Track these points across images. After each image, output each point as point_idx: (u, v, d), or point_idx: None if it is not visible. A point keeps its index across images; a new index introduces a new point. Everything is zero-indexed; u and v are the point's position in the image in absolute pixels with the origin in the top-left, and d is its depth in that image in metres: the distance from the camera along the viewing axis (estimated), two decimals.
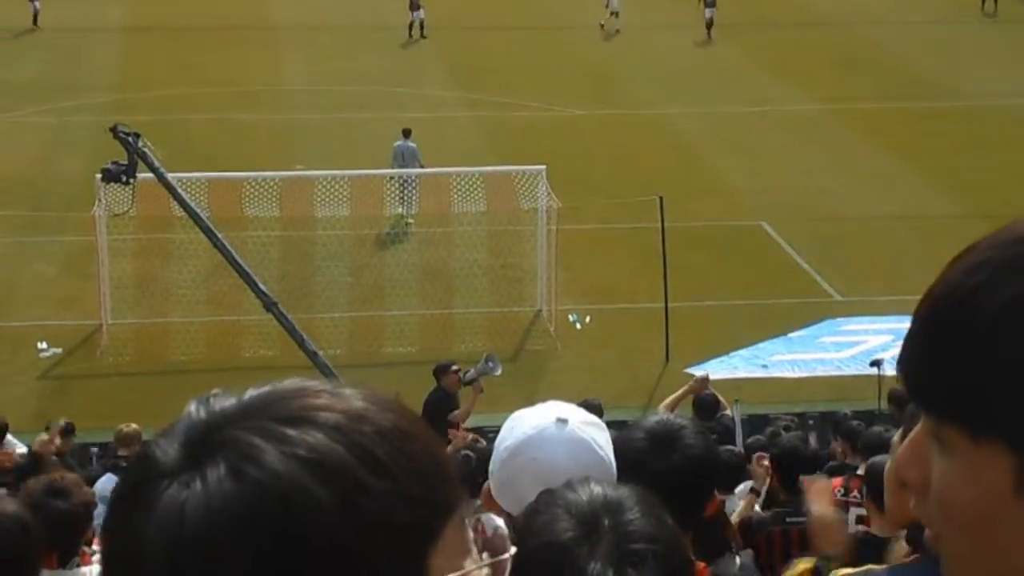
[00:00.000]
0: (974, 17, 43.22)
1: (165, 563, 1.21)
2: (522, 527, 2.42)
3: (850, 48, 40.22)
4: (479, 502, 3.09)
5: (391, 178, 26.04)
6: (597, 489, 2.44)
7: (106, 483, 11.69)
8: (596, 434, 2.94)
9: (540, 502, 2.44)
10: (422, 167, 26.27)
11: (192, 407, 1.32)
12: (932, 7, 44.65)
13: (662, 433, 3.42)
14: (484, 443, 13.04)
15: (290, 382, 1.33)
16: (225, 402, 1.30)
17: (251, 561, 1.20)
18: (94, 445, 17.14)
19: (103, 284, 22.56)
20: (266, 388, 1.32)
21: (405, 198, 25.99)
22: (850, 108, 34.56)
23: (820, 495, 4.24)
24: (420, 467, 1.30)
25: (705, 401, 14.53)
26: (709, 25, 41.93)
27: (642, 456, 3.23)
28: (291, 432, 1.25)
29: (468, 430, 14.93)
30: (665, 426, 3.46)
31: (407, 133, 27.20)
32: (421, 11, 40.15)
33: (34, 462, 12.65)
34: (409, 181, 25.87)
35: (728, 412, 14.72)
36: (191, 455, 1.25)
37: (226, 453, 1.24)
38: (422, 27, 40.21)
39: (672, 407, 13.90)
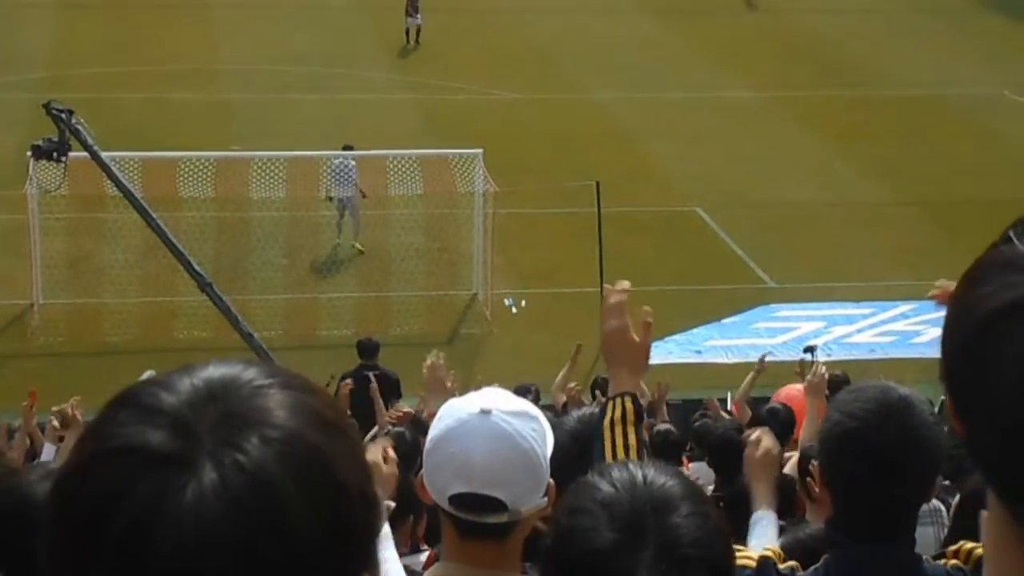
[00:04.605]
0: (911, 7, 43.56)
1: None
2: (561, 530, 2.26)
3: (788, 36, 40.46)
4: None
5: (330, 199, 24.62)
6: (641, 482, 2.26)
7: (51, 454, 11.54)
8: (522, 425, 2.84)
9: (579, 497, 2.27)
10: (357, 186, 24.33)
11: None
12: None
13: (585, 433, 3.40)
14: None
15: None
16: None
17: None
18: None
19: (35, 263, 22.33)
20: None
21: (353, 223, 24.73)
22: (787, 96, 34.77)
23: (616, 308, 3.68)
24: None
25: (601, 385, 14.64)
26: None
27: (564, 457, 3.16)
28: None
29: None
30: (587, 425, 3.45)
31: (348, 149, 24.82)
32: (418, 17, 38.23)
33: None
34: (350, 205, 24.49)
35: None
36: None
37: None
38: (418, 33, 38.37)
39: (563, 387, 14.15)
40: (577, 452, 3.36)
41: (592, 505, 2.23)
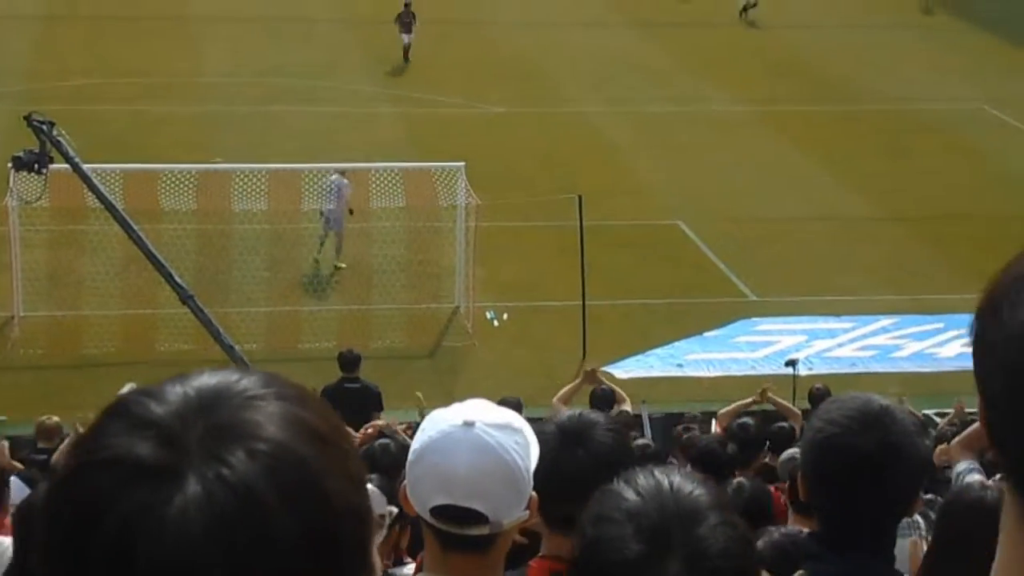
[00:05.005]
0: (896, 23, 43.77)
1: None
2: (587, 540, 2.23)
3: (773, 51, 40.56)
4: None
5: (321, 213, 24.44)
6: (667, 491, 2.22)
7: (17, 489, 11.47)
8: (505, 438, 2.83)
9: (604, 507, 2.24)
10: (347, 203, 24.32)
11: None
12: (854, 12, 45.17)
13: (572, 428, 3.44)
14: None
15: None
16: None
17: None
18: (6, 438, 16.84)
19: (15, 275, 22.24)
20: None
21: (336, 241, 24.53)
22: (771, 110, 34.86)
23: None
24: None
25: (600, 397, 14.65)
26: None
27: (551, 452, 3.19)
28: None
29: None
30: (577, 421, 3.48)
31: (343, 172, 24.59)
32: (411, 34, 37.54)
33: None
34: (334, 221, 24.32)
35: (626, 407, 14.83)
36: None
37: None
38: (407, 51, 37.72)
39: (567, 400, 14.13)
40: (567, 444, 3.38)
41: (618, 514, 2.20)
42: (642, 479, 2.26)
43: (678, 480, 2.26)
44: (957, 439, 7.93)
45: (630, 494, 2.23)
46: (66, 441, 12.59)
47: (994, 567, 1.54)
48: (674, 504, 2.19)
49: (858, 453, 3.24)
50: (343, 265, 24.60)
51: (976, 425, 7.91)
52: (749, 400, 14.18)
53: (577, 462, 3.34)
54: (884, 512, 3.33)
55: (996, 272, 1.48)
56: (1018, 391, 1.38)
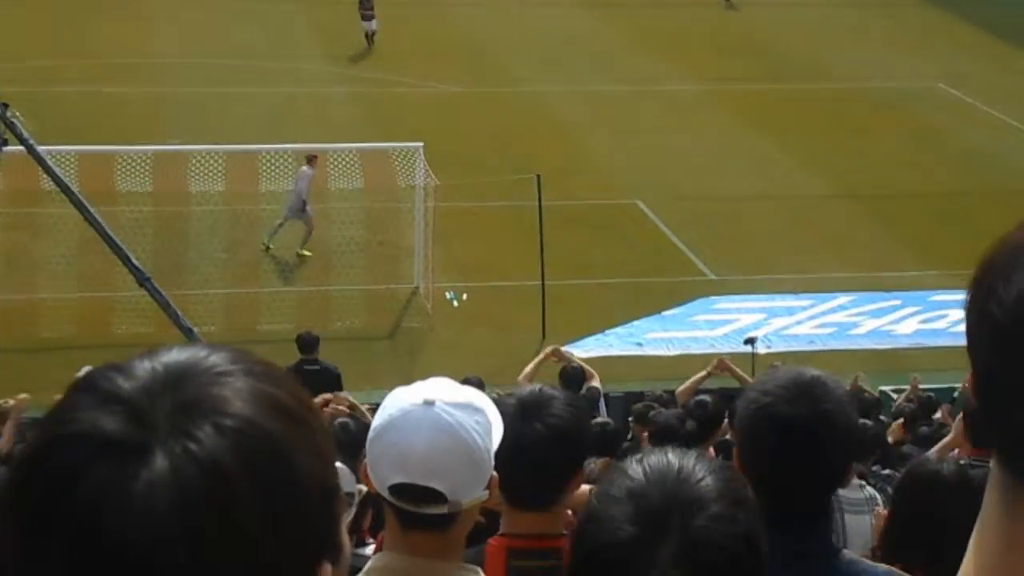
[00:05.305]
0: (849, 1, 43.94)
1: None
2: (587, 514, 2.18)
3: (727, 29, 40.66)
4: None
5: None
6: (674, 475, 2.15)
7: None
8: (466, 417, 2.82)
9: (611, 483, 2.18)
10: (303, 199, 24.14)
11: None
12: None
13: (531, 402, 3.46)
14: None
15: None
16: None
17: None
18: None
19: None
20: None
21: (306, 230, 24.41)
22: (725, 89, 34.95)
23: None
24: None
25: (571, 374, 14.67)
26: None
27: (511, 426, 3.17)
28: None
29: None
30: (536, 396, 3.49)
31: (311, 160, 24.34)
32: (373, 22, 37.47)
33: None
34: (295, 211, 24.28)
35: (595, 384, 14.88)
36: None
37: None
38: (371, 37, 37.49)
39: (531, 377, 14.15)
40: (525, 418, 3.40)
41: (620, 493, 2.15)
42: (654, 459, 2.20)
43: (691, 465, 2.18)
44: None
45: (637, 473, 2.17)
46: (6, 427, 12.41)
47: (972, 542, 1.54)
48: (678, 489, 2.13)
49: (790, 422, 3.25)
50: (308, 253, 24.41)
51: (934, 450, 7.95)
52: (704, 373, 14.23)
53: (534, 436, 3.36)
54: (817, 483, 3.33)
55: (992, 244, 1.49)
56: (1010, 362, 1.38)
